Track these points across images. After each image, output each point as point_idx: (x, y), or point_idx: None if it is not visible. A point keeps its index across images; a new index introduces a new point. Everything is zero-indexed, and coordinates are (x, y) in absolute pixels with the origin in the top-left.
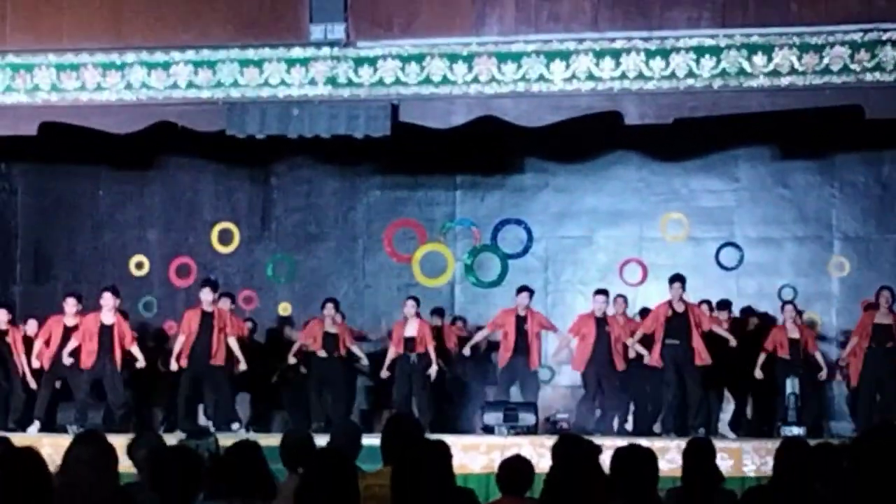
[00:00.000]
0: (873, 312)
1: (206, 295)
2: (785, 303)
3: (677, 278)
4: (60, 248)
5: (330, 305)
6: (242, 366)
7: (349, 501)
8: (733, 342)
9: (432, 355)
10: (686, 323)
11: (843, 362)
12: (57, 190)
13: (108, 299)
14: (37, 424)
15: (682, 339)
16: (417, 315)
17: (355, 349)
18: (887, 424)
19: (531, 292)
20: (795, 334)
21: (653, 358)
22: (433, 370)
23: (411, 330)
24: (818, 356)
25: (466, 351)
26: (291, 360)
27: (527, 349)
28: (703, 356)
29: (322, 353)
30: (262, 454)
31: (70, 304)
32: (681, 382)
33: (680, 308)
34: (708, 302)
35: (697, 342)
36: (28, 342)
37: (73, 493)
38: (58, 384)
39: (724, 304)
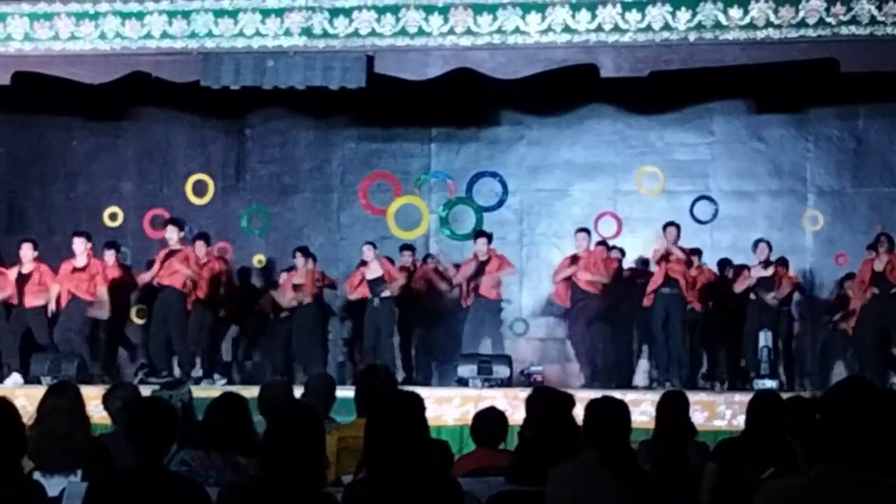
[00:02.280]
0: (872, 259)
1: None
2: (758, 241)
3: (671, 224)
4: (34, 199)
5: (298, 254)
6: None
7: (313, 454)
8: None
9: (397, 284)
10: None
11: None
12: (30, 140)
13: (78, 244)
14: None
15: (675, 287)
16: (377, 258)
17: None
18: (858, 377)
19: (488, 237)
20: (769, 272)
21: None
22: (395, 286)
23: (374, 272)
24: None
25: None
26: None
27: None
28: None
29: (292, 303)
30: (246, 408)
31: (26, 250)
32: (666, 331)
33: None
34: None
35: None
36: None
37: (48, 443)
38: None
39: (695, 252)
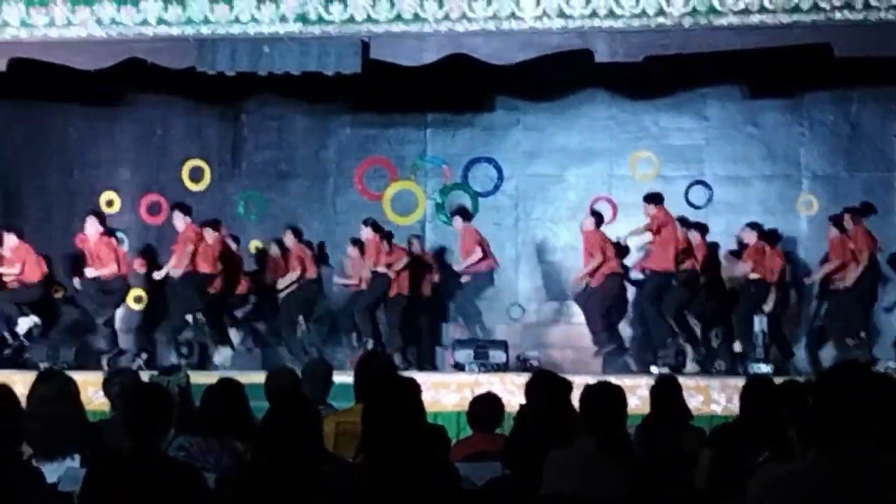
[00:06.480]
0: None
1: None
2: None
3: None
4: (30, 186)
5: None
6: None
7: (310, 445)
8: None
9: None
10: None
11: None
12: (26, 127)
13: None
14: None
15: None
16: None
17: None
18: (851, 361)
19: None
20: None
21: None
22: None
23: None
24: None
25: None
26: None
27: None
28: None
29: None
30: (242, 393)
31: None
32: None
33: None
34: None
35: None
36: None
37: (42, 433)
38: None
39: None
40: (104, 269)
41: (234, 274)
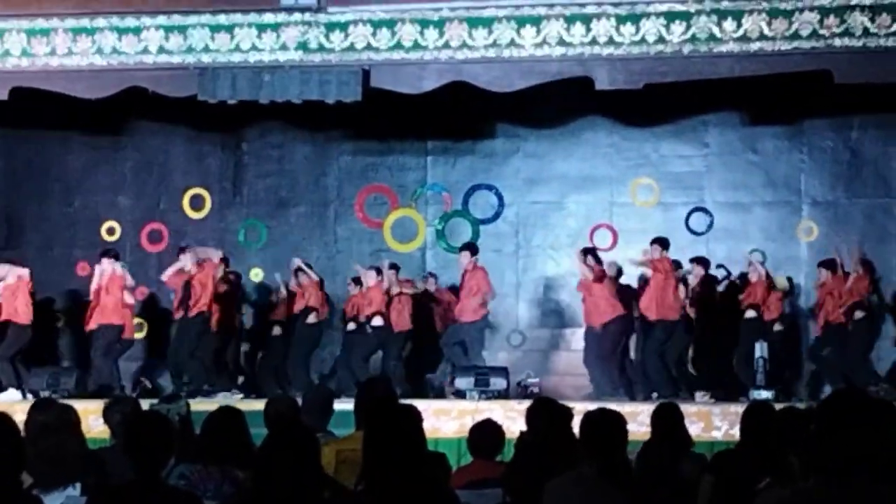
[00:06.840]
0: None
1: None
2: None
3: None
4: (31, 214)
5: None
6: None
7: (309, 471)
8: None
9: None
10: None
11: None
12: (28, 155)
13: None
14: None
15: None
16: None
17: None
18: (852, 388)
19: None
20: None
21: None
22: None
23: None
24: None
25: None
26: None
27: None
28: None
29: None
30: (243, 421)
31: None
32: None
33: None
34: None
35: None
36: None
37: (42, 463)
38: None
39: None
40: (109, 319)
41: (235, 312)
